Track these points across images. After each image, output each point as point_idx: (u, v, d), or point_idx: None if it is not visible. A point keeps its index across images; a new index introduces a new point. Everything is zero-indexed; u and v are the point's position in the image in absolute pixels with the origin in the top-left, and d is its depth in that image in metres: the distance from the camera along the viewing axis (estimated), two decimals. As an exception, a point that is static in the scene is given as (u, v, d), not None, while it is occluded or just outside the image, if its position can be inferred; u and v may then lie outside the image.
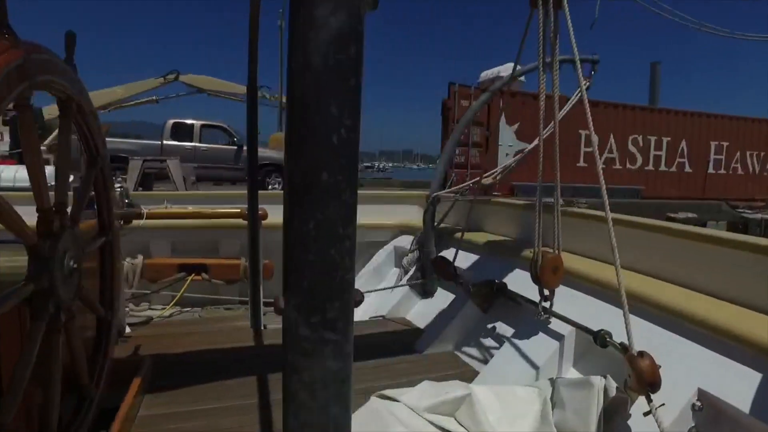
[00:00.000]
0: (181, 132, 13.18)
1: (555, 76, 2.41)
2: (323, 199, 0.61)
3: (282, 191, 0.66)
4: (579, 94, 3.57)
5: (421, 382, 2.48)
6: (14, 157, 11.35)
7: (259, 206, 3.76)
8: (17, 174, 7.33)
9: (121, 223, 3.49)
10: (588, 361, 2.58)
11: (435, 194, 3.91)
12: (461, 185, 4.09)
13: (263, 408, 2.52)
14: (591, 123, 2.16)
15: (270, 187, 13.11)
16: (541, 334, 2.74)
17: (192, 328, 3.78)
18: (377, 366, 3.14)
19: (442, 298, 3.92)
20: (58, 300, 1.85)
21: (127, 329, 3.62)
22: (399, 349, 3.45)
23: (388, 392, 2.35)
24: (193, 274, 4.81)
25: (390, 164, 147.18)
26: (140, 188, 8.16)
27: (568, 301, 2.74)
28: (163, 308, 4.65)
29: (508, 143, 10.03)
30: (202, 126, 13.59)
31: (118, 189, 3.60)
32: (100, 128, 2.41)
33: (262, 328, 3.80)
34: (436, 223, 4.13)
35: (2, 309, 1.65)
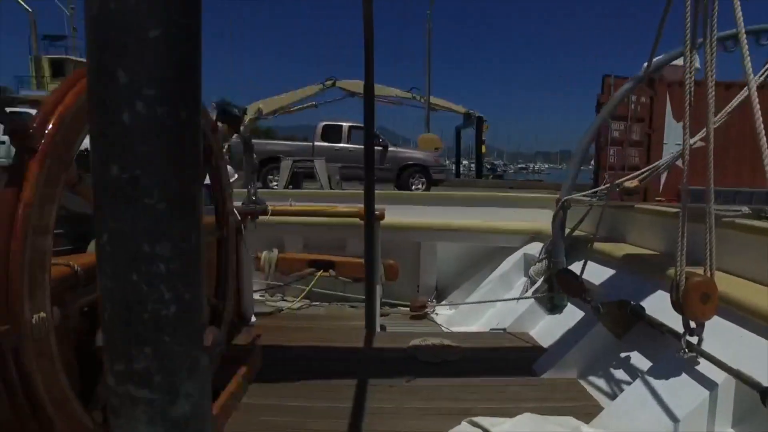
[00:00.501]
0: (331, 133, 14.00)
1: (710, 57, 1.91)
2: (114, 204, 0.45)
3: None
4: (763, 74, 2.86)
5: (522, 414, 2.18)
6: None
7: (378, 206, 3.73)
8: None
9: (249, 218, 3.75)
10: (752, 425, 1.99)
11: (565, 198, 3.47)
12: (597, 188, 3.57)
13: (354, 415, 2.44)
14: (758, 112, 1.66)
15: (414, 187, 13.24)
16: (685, 376, 2.21)
17: (312, 323, 3.90)
18: (486, 385, 2.87)
19: (571, 315, 3.46)
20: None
21: (253, 318, 3.87)
22: (515, 368, 3.13)
23: (480, 420, 2.10)
24: (321, 270, 5.00)
25: (546, 165, 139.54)
26: (290, 186, 8.82)
27: (726, 338, 2.16)
28: (293, 300, 4.92)
29: (675, 141, 8.64)
30: (350, 127, 14.30)
31: (275, 185, 3.86)
32: (216, 125, 2.56)
33: (378, 329, 3.76)
34: (569, 231, 3.68)
35: None
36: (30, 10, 26.38)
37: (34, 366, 1.33)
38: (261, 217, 3.86)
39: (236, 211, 3.50)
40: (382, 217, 3.71)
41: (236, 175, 11.90)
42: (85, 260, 1.88)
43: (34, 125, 1.36)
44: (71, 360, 1.91)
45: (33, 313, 1.32)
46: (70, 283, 1.70)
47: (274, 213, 3.99)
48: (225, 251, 2.76)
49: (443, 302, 5.19)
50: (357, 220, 3.97)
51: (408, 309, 4.69)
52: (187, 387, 0.50)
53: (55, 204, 1.40)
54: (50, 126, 1.39)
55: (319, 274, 4.96)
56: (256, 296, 5.04)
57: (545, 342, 3.45)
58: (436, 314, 4.76)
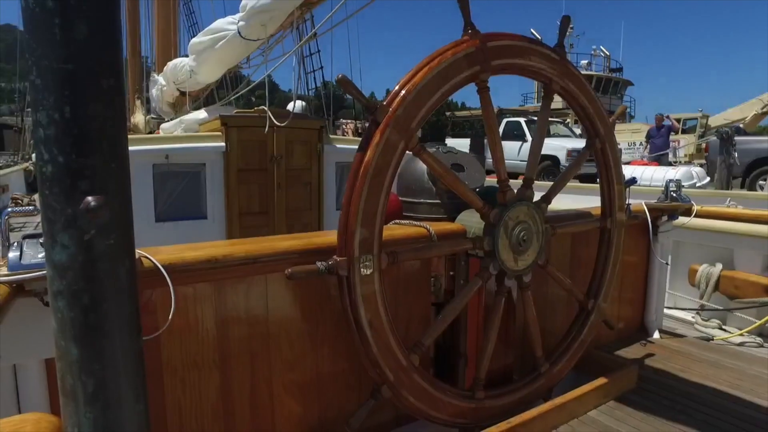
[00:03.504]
0: None
1: None
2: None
3: None
4: None
5: None
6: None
7: None
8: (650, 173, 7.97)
9: (664, 217, 3.19)
10: None
11: None
12: None
13: None
14: None
15: None
16: None
17: (738, 364, 2.96)
18: None
19: None
20: (500, 265, 2.02)
21: (657, 334, 3.30)
22: None
23: None
24: (787, 303, 3.69)
25: None
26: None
27: None
28: (734, 333, 3.84)
29: None
30: None
31: (674, 180, 3.27)
32: (601, 108, 2.32)
33: None
34: None
35: (436, 253, 2.00)
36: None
37: (360, 296, 1.65)
38: (684, 219, 3.22)
39: (645, 207, 3.06)
40: None
41: (707, 179, 10.23)
42: (445, 227, 2.14)
43: (383, 102, 1.66)
44: (426, 311, 2.23)
45: (362, 253, 1.63)
46: (415, 241, 1.98)
47: (707, 215, 3.24)
48: (606, 245, 2.49)
49: None
50: None
51: None
52: (62, 238, 0.59)
53: (391, 167, 1.67)
54: (394, 102, 1.66)
55: (781, 307, 3.68)
56: (686, 316, 4.25)
57: None
58: None
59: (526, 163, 2.27)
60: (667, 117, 13.72)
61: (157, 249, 1.57)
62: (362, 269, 1.64)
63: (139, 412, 0.74)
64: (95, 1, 0.69)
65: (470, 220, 2.15)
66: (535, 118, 17.88)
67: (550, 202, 2.21)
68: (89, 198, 0.66)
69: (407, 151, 1.73)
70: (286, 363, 1.85)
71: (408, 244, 1.91)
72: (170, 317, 1.47)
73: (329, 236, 1.84)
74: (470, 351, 2.22)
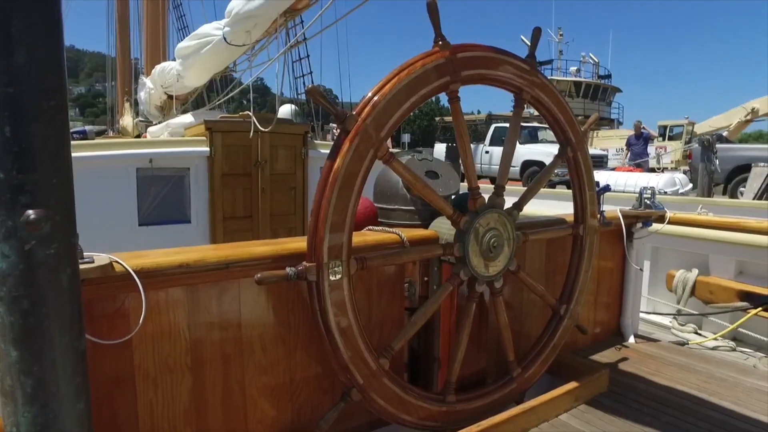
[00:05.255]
0: None
1: None
2: None
3: None
4: None
5: None
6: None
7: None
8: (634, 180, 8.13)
9: (638, 224, 3.25)
10: None
11: None
12: None
13: None
14: None
15: None
16: None
17: (709, 368, 3.02)
18: None
19: None
20: (471, 271, 2.06)
21: (632, 339, 3.36)
22: None
23: None
24: (759, 308, 3.77)
25: None
26: (765, 198, 6.96)
27: None
28: (708, 337, 3.92)
29: None
30: None
31: (649, 190, 3.34)
32: (572, 117, 2.37)
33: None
34: None
35: (405, 259, 2.04)
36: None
37: (329, 301, 1.69)
38: (658, 226, 3.28)
39: (620, 214, 3.13)
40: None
41: (690, 185, 10.38)
42: (417, 234, 2.18)
43: (353, 112, 1.70)
44: (400, 316, 2.27)
45: (331, 259, 1.67)
46: (387, 247, 2.02)
47: (679, 222, 3.31)
48: (578, 251, 2.54)
49: None
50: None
51: None
52: (3, 248, 0.70)
53: (360, 175, 1.71)
54: (363, 112, 1.70)
55: (754, 312, 3.76)
56: (664, 321, 4.32)
57: None
58: None
59: (513, 168, 2.32)
60: (644, 127, 14.10)
61: (136, 254, 1.60)
62: (331, 275, 1.68)
63: (80, 410, 0.78)
64: (36, 30, 0.74)
65: (443, 227, 2.19)
66: (525, 124, 18.02)
67: (521, 209, 2.25)
68: (29, 211, 0.72)
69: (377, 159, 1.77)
70: (260, 366, 1.88)
71: (380, 250, 1.94)
72: (141, 321, 1.49)
73: (303, 242, 1.87)
74: (444, 356, 2.25)
